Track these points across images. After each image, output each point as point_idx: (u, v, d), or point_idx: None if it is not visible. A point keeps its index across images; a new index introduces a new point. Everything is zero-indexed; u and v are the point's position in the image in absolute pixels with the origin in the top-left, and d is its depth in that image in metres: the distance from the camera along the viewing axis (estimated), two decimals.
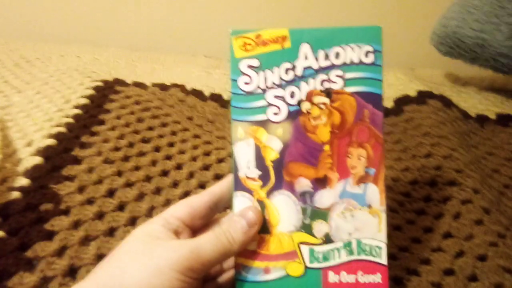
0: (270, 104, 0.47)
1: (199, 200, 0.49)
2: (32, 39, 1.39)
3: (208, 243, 0.43)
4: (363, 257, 0.47)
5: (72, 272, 0.51)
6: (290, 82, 0.47)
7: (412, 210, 0.65)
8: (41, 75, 0.98)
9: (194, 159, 0.73)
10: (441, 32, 1.06)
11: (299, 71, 0.47)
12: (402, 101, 0.96)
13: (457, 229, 0.60)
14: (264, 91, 0.47)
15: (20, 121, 0.78)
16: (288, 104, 0.47)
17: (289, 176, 0.47)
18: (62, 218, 0.58)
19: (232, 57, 0.48)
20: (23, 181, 0.63)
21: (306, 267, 0.46)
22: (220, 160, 0.74)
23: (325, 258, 0.47)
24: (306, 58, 0.47)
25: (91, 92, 0.90)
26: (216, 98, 0.99)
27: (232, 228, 0.45)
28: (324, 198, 0.47)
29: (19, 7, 1.58)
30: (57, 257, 0.52)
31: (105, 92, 0.91)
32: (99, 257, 0.53)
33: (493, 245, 0.56)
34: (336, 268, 0.47)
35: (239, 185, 0.48)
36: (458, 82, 1.17)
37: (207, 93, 1.01)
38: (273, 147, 0.47)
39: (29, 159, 0.67)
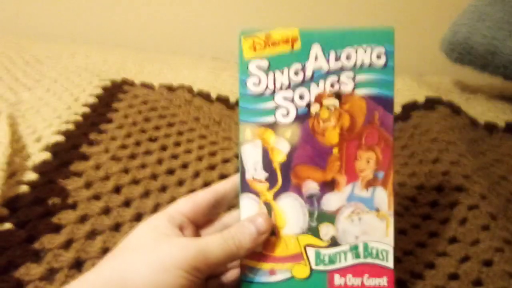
0: (278, 106, 0.47)
1: (202, 197, 0.49)
2: (43, 38, 1.40)
3: (215, 245, 0.43)
4: (369, 260, 0.47)
5: (78, 265, 0.52)
6: (299, 84, 0.47)
7: (418, 215, 0.65)
8: (51, 73, 0.99)
9: (199, 158, 0.73)
10: (452, 39, 1.06)
11: (309, 73, 0.47)
12: (410, 107, 0.96)
13: (463, 234, 0.60)
14: (273, 92, 0.47)
15: (30, 118, 0.79)
16: (297, 106, 0.47)
17: (297, 179, 0.47)
18: (69, 212, 0.58)
19: (241, 58, 0.47)
20: (32, 176, 0.63)
21: (311, 270, 0.46)
22: (226, 161, 0.74)
23: (331, 261, 0.46)
24: (316, 59, 0.47)
25: (99, 91, 0.90)
26: (223, 99, 0.99)
27: (240, 234, 0.45)
28: (331, 201, 0.47)
29: (30, 7, 1.59)
30: (64, 250, 0.53)
31: (113, 91, 0.91)
32: (105, 251, 0.53)
33: (499, 251, 0.56)
34: (342, 271, 0.46)
35: (245, 187, 0.47)
36: (467, 90, 1.16)
37: (214, 94, 1.01)
38: (281, 149, 0.47)
39: (38, 155, 0.67)
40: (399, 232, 0.61)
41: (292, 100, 0.47)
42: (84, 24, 1.60)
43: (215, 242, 0.43)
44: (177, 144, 0.77)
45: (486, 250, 0.57)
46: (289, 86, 0.47)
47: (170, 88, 1.00)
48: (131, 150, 0.72)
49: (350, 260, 0.46)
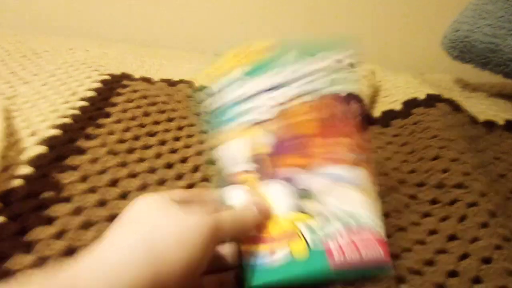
0: (259, 106, 0.51)
1: (196, 190, 0.52)
2: (42, 32, 1.39)
3: (227, 218, 0.44)
4: (362, 234, 0.47)
5: (70, 253, 0.51)
6: (277, 86, 0.51)
7: (418, 212, 0.64)
8: (49, 67, 0.98)
9: (199, 153, 0.73)
10: (453, 36, 1.06)
11: (285, 77, 0.51)
12: (411, 104, 0.96)
13: (462, 232, 0.59)
14: (253, 95, 0.51)
15: (26, 111, 0.78)
16: (276, 105, 0.50)
17: (282, 167, 0.50)
18: (63, 205, 0.57)
19: (219, 68, 0.52)
20: (27, 169, 0.62)
21: (307, 243, 0.46)
22: None
23: (324, 234, 0.47)
24: (291, 65, 0.51)
25: (98, 85, 0.90)
26: None
27: (245, 213, 0.47)
28: (314, 182, 0.49)
29: (30, 0, 1.58)
30: (56, 239, 0.52)
31: (112, 86, 0.90)
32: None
33: (498, 248, 0.56)
34: (339, 246, 0.46)
35: (232, 180, 0.50)
36: (468, 88, 1.16)
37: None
38: (265, 142, 0.50)
39: (33, 148, 0.67)
40: (399, 229, 0.61)
41: (271, 101, 0.51)
42: (84, 18, 1.60)
43: (226, 215, 0.44)
44: (177, 138, 0.76)
45: (486, 247, 0.56)
46: (268, 89, 0.51)
47: (171, 83, 0.99)
48: (129, 145, 0.71)
49: (344, 234, 0.47)
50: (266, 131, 0.50)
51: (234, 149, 0.50)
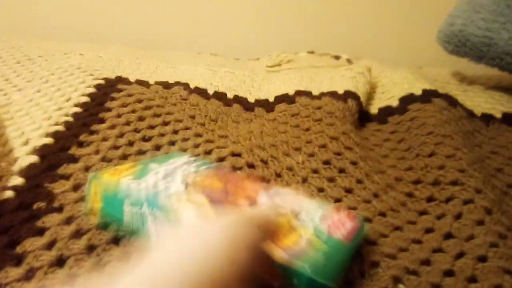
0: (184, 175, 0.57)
1: None
2: (36, 37, 1.39)
3: (255, 212, 0.49)
4: (325, 212, 0.55)
5: (60, 263, 0.51)
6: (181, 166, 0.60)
7: (414, 210, 0.64)
8: (43, 73, 0.98)
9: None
10: (448, 31, 1.06)
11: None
12: (407, 100, 0.95)
13: (458, 230, 0.59)
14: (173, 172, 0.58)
15: (19, 120, 0.78)
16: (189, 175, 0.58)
17: (240, 199, 0.55)
18: (54, 215, 0.57)
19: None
20: (18, 180, 0.62)
21: (312, 229, 0.51)
22: (221, 159, 0.73)
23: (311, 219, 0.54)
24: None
25: (92, 90, 0.89)
26: (220, 96, 0.98)
27: (267, 210, 0.52)
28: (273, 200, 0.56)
29: (22, 5, 1.58)
30: (46, 250, 0.52)
31: (106, 90, 0.90)
32: (90, 248, 0.53)
33: (493, 246, 0.56)
34: (326, 220, 0.53)
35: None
36: (465, 81, 1.16)
37: (211, 91, 1.00)
38: (212, 190, 0.56)
39: (25, 158, 0.66)
40: (395, 228, 0.60)
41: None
42: (79, 22, 1.60)
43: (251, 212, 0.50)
44: (172, 143, 0.76)
45: (481, 245, 0.56)
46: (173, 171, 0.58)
47: (166, 86, 0.99)
48: (123, 151, 0.71)
49: (319, 215, 0.54)
50: (204, 189, 0.55)
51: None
